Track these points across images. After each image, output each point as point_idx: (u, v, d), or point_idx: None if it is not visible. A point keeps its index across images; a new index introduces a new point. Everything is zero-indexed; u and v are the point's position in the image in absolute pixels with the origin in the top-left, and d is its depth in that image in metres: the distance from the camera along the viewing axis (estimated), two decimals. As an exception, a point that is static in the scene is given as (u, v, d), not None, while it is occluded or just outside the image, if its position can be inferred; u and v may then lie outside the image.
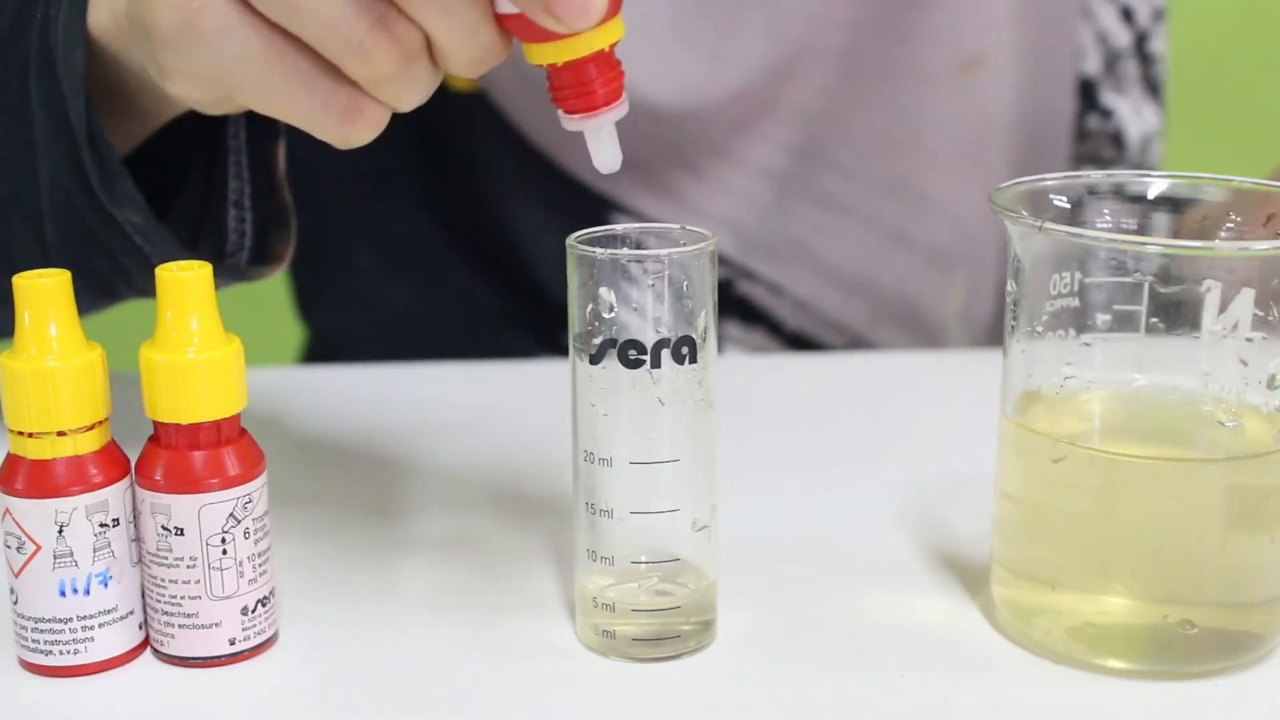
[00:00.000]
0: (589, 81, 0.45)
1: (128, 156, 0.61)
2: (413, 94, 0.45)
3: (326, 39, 0.43)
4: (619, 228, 0.48)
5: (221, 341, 0.48)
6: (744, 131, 0.81)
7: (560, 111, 0.46)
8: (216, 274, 0.60)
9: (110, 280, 0.62)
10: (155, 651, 0.50)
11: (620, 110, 0.46)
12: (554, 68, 0.45)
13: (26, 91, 0.57)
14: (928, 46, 0.81)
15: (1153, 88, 0.90)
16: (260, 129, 0.61)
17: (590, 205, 0.81)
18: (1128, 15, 0.87)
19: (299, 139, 0.51)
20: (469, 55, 0.44)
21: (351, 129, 0.45)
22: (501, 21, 0.44)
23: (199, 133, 0.62)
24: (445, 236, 0.87)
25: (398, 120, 0.47)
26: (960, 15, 0.81)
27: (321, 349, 0.94)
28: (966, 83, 0.82)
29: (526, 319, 0.87)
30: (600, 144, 0.47)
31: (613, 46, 0.45)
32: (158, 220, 0.57)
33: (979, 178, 0.84)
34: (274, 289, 0.95)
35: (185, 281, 0.47)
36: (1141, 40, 0.88)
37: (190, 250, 0.59)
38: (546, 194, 0.83)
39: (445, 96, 0.79)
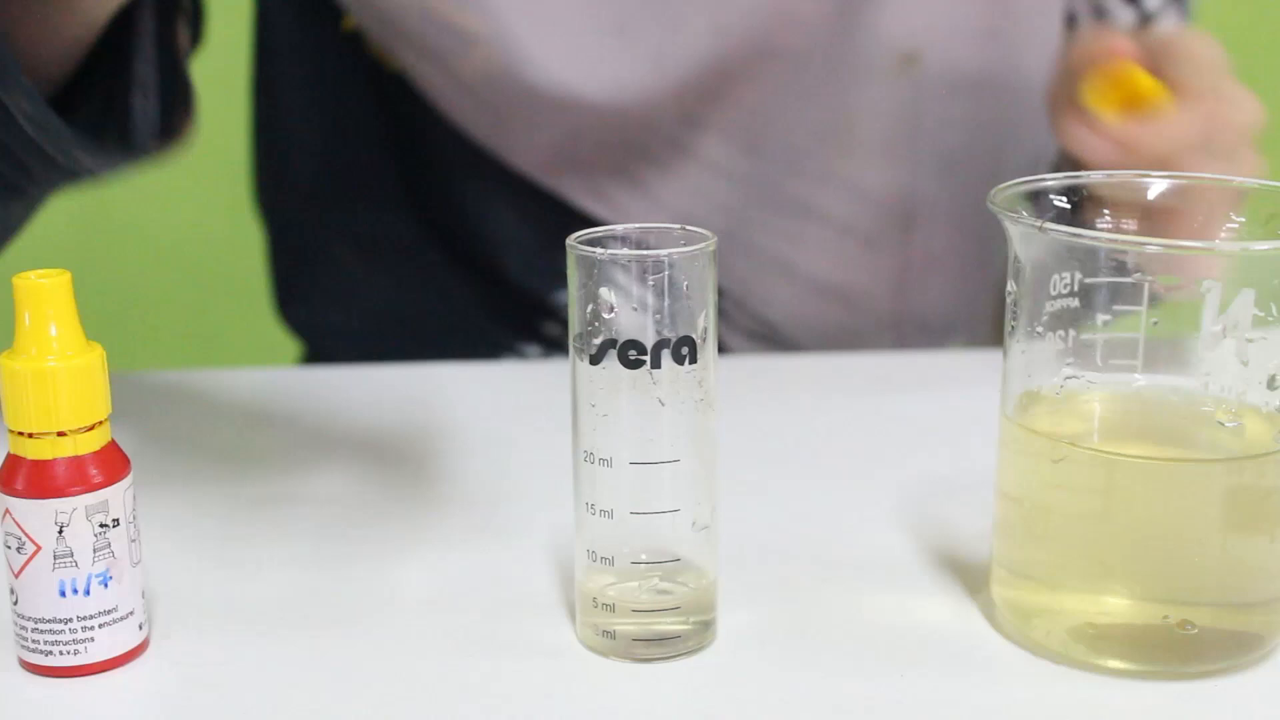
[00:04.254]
0: None
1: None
2: None
3: None
4: (619, 228, 0.48)
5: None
6: (694, 128, 0.81)
7: None
8: (106, 150, 0.60)
9: (15, 181, 0.61)
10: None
11: None
12: None
13: None
14: (872, 42, 0.81)
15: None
16: (164, 12, 0.61)
17: (549, 206, 0.82)
18: None
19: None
20: None
21: None
22: None
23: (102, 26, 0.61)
24: (422, 233, 0.87)
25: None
26: (898, 10, 0.81)
27: (312, 356, 0.94)
28: (906, 78, 0.82)
29: (502, 312, 0.87)
30: None
31: None
32: (46, 106, 0.57)
33: (921, 172, 0.84)
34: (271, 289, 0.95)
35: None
36: (1146, 22, 0.88)
37: (86, 140, 0.59)
38: (507, 193, 0.83)
39: (412, 96, 0.79)
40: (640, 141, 0.81)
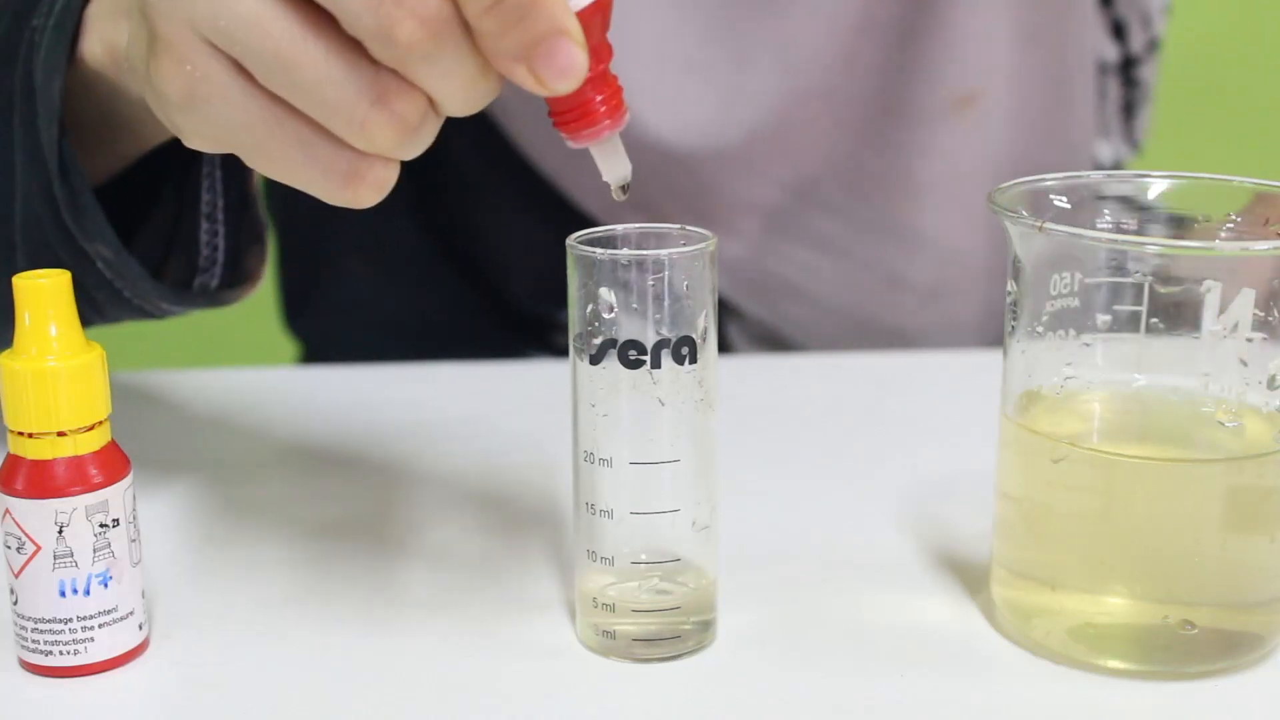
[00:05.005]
0: (588, 102, 0.45)
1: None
2: (415, 150, 0.45)
3: (328, 118, 0.43)
4: (619, 228, 0.48)
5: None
6: (753, 171, 0.81)
7: (563, 134, 0.46)
8: (187, 299, 0.60)
9: (85, 315, 0.61)
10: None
11: (622, 122, 0.46)
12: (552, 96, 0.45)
13: (10, 120, 0.56)
14: (929, 84, 0.81)
15: (1128, 114, 0.90)
16: None
17: (577, 221, 0.82)
18: (1119, 31, 0.87)
19: None
20: (468, 103, 0.44)
21: (353, 193, 0.45)
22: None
23: (171, 146, 0.61)
24: (432, 246, 0.88)
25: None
26: (957, 53, 0.81)
27: (312, 358, 0.94)
28: (962, 121, 0.82)
29: (510, 324, 0.87)
30: (608, 158, 0.47)
31: (606, 65, 0.45)
32: (127, 253, 0.57)
33: (972, 214, 0.84)
34: (273, 291, 0.95)
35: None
36: (1129, 64, 0.88)
37: (159, 282, 0.59)
38: (533, 210, 0.83)
39: None
40: (703, 183, 0.81)
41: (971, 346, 0.87)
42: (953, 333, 0.87)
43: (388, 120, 0.43)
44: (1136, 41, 0.87)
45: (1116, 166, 0.91)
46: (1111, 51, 0.87)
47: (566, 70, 0.42)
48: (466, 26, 0.41)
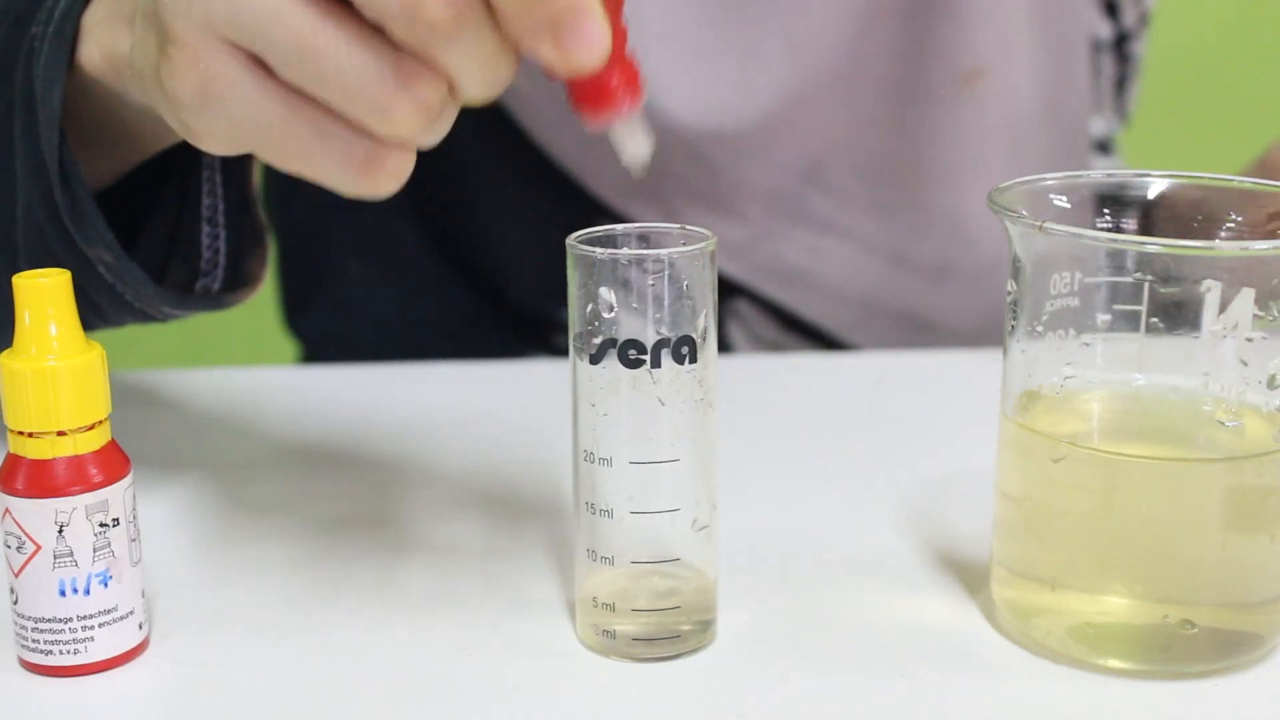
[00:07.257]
0: (606, 83, 0.45)
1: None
2: (434, 136, 0.44)
3: (351, 105, 0.43)
4: (619, 227, 0.48)
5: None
6: (765, 154, 0.81)
7: (582, 116, 0.46)
8: (188, 302, 0.59)
9: (87, 320, 0.61)
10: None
11: (640, 101, 0.46)
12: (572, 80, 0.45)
13: (10, 126, 0.56)
14: (938, 65, 0.81)
15: (1120, 88, 0.90)
16: None
17: (581, 215, 0.82)
18: (1112, 9, 0.87)
19: None
20: (486, 85, 0.44)
21: (371, 181, 0.44)
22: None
23: (172, 150, 0.61)
24: (431, 245, 0.88)
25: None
26: (967, 32, 0.80)
27: (312, 358, 0.94)
28: (969, 97, 0.82)
29: (510, 324, 0.87)
30: (627, 138, 0.47)
31: (623, 47, 0.45)
32: (129, 258, 0.57)
33: (981, 192, 0.84)
34: (273, 291, 0.95)
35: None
36: (1122, 40, 0.88)
37: (161, 285, 0.59)
38: (534, 208, 0.83)
39: None
40: (719, 170, 0.81)
41: (984, 328, 0.87)
42: (965, 314, 0.87)
43: (411, 104, 0.43)
44: (1129, 17, 0.88)
45: (1107, 140, 0.91)
46: (1105, 29, 0.87)
47: (591, 45, 0.42)
48: (489, 6, 0.41)
